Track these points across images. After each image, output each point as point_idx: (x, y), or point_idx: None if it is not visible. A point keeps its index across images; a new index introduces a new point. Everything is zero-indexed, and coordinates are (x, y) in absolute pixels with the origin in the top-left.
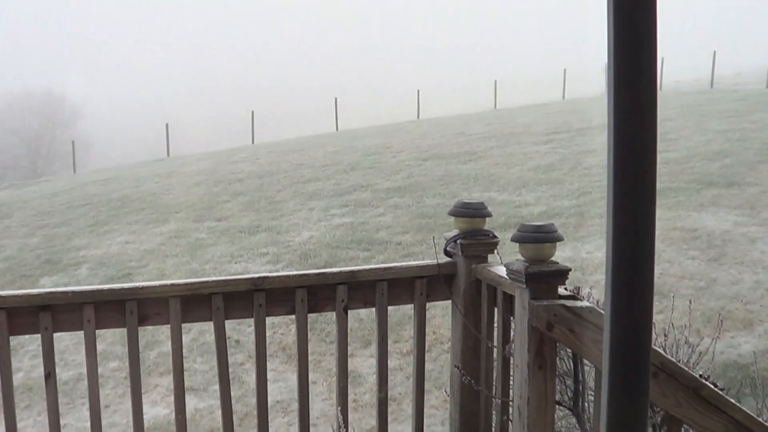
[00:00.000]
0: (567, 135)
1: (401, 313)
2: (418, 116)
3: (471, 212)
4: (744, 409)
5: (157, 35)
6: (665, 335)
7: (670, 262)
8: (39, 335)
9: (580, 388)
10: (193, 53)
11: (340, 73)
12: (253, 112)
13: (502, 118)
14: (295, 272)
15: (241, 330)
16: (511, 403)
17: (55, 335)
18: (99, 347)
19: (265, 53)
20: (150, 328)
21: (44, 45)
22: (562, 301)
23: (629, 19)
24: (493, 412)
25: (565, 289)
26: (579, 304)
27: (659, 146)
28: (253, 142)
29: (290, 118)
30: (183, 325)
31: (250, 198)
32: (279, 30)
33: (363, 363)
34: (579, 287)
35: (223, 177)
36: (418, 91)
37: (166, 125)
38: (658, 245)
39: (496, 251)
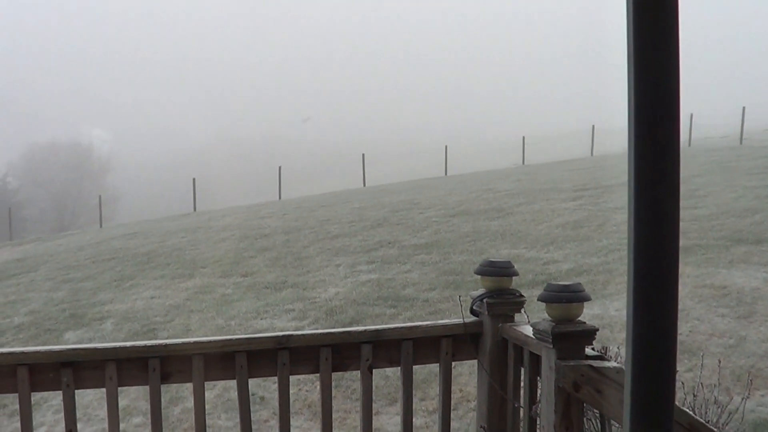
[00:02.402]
0: (595, 191)
1: (428, 370)
2: (446, 172)
3: (497, 271)
4: None
5: (186, 88)
6: (694, 395)
7: (700, 319)
8: (61, 391)
9: None
10: (221, 106)
11: (369, 127)
12: (280, 168)
13: (530, 174)
14: (319, 331)
15: (266, 386)
16: None
17: (79, 390)
18: (123, 402)
19: (292, 106)
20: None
21: (69, 95)
22: (590, 362)
23: (650, 65)
24: None
25: (593, 348)
26: (606, 364)
27: (687, 203)
28: (280, 197)
29: (317, 174)
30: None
31: (276, 254)
32: (306, 83)
33: (389, 420)
34: (606, 347)
35: (250, 232)
36: (446, 147)
37: (193, 180)
38: (687, 303)
39: (522, 310)
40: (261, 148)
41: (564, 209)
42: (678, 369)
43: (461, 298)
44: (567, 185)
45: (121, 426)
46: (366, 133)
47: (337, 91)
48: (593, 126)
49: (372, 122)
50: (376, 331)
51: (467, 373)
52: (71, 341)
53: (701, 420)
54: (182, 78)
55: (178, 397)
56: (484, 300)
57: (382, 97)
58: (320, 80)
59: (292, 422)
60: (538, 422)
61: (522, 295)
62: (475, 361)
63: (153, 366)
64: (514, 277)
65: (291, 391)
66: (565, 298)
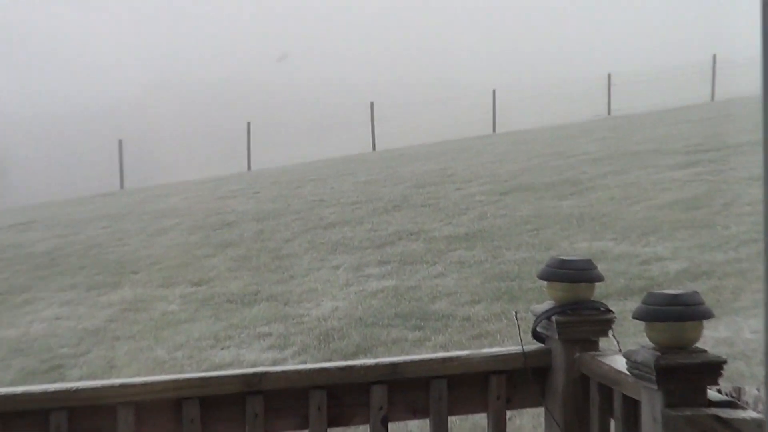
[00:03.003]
0: (719, 154)
1: (471, 423)
2: (494, 129)
3: (573, 275)
4: None
5: (111, 14)
6: None
7: None
8: None
9: None
10: (161, 37)
11: (378, 68)
12: (249, 125)
13: (619, 129)
14: (309, 366)
15: None
16: None
17: None
18: None
19: (268, 35)
20: None
21: None
22: (714, 410)
23: None
24: None
25: (719, 390)
26: (741, 414)
27: None
28: (249, 167)
29: (304, 133)
30: None
31: (244, 251)
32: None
33: None
34: (740, 387)
35: (205, 220)
36: (494, 92)
37: (119, 142)
38: None
39: (610, 333)
40: (221, 96)
41: (671, 181)
42: None
43: (519, 315)
44: (675, 145)
45: None
46: (376, 75)
47: (332, 11)
48: (714, 56)
49: (385, 59)
50: (393, 365)
51: (530, 427)
52: None
53: None
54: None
55: None
56: (553, 318)
57: (399, 22)
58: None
59: None
60: None
61: (610, 310)
62: (541, 409)
63: (57, 422)
64: (597, 284)
65: None
66: (675, 314)
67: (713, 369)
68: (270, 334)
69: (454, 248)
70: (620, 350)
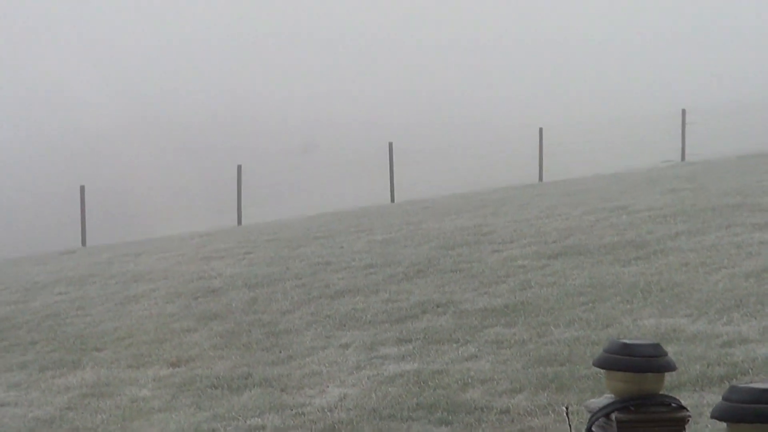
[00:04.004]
0: None
1: None
2: (541, 176)
3: (637, 363)
4: None
5: (83, 45)
6: None
7: None
8: None
9: None
10: (138, 72)
11: (398, 105)
12: (240, 168)
13: (695, 178)
14: None
15: None
16: None
17: None
18: None
19: (262, 62)
20: None
21: None
22: None
23: None
24: None
25: None
26: None
27: None
28: (239, 221)
29: (307, 180)
30: None
31: (232, 325)
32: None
33: None
34: None
35: (185, 285)
36: (541, 131)
37: (81, 189)
38: None
39: None
40: (206, 137)
41: (759, 244)
42: None
43: (570, 410)
44: (764, 199)
45: None
46: (395, 113)
47: (339, 36)
48: None
49: (405, 94)
50: None
51: None
52: None
53: None
54: (79, 34)
55: None
56: (613, 416)
57: (421, 50)
58: (307, 18)
59: None
60: None
61: (683, 407)
62: None
63: None
64: (666, 373)
65: None
66: (766, 413)
67: None
68: (263, 428)
69: (490, 324)
70: None
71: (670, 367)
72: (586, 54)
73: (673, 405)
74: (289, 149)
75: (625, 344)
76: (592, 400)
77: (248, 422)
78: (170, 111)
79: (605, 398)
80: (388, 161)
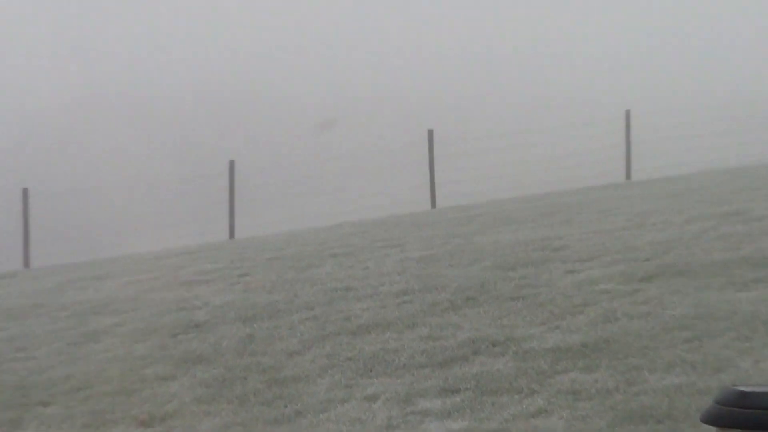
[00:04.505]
0: None
1: None
2: (629, 174)
3: (760, 418)
4: None
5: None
6: None
7: None
8: None
9: None
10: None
11: (443, 76)
12: (232, 164)
13: None
14: None
15: None
16: None
17: None
18: None
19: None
20: None
21: None
22: None
23: None
24: None
25: None
26: None
27: None
28: (232, 233)
29: (320, 179)
30: None
31: (222, 370)
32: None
33: None
34: None
35: (160, 318)
36: (628, 113)
37: (24, 192)
38: None
39: None
40: (191, 119)
41: None
42: None
43: None
44: None
45: None
46: (436, 86)
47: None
48: None
49: (451, 62)
50: None
51: None
52: None
53: None
54: None
55: None
56: None
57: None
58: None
59: None
60: None
61: None
62: None
63: None
64: None
65: None
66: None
67: None
68: None
69: (564, 369)
70: None
71: None
72: (688, 20)
73: None
74: (297, 135)
75: (744, 393)
76: None
77: None
78: (142, 87)
79: None
80: (427, 154)
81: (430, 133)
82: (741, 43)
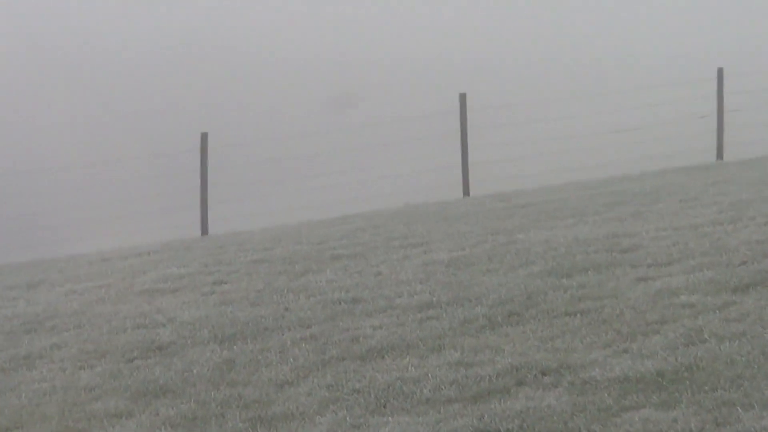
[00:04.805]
0: None
1: None
2: (720, 153)
3: None
4: None
5: None
6: None
7: None
8: None
9: None
10: None
11: (476, 34)
12: (205, 137)
13: None
14: None
15: None
16: None
17: None
18: None
19: None
20: None
21: None
22: None
23: None
24: None
25: None
26: None
27: None
28: (205, 229)
29: (316, 157)
30: None
31: (192, 405)
32: None
33: None
34: None
35: (112, 338)
36: (720, 72)
37: None
38: None
39: None
40: (156, 84)
41: None
42: None
43: None
44: None
45: None
46: (468, 47)
47: None
48: None
49: (486, 15)
50: None
51: None
52: None
53: None
54: None
55: None
56: None
57: None
58: None
59: None
60: None
61: None
62: None
63: None
64: None
65: None
66: None
67: None
68: None
69: (634, 404)
70: None
71: None
72: None
73: None
74: (293, 109)
75: None
76: None
77: None
78: (93, 43)
79: None
80: (458, 127)
81: (463, 97)
82: None
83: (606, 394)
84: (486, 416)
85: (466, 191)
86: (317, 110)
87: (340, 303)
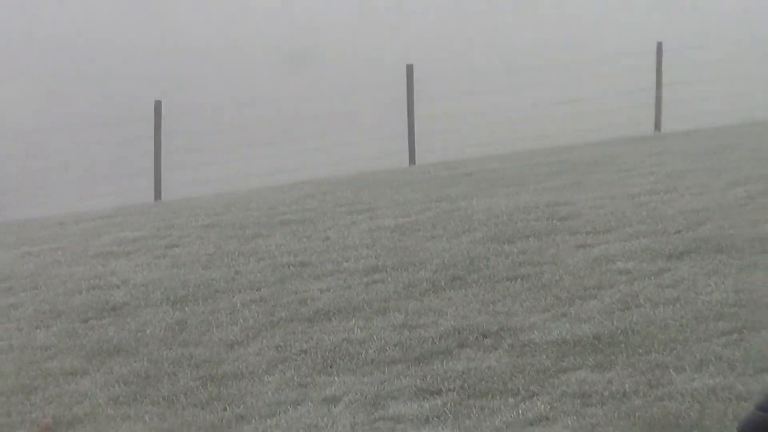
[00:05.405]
0: None
1: None
2: (658, 125)
3: None
4: None
5: None
6: None
7: None
8: None
9: None
10: None
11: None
12: (159, 105)
13: None
14: None
15: None
16: None
17: None
18: None
19: None
20: None
21: None
22: None
23: None
24: None
25: None
26: None
27: None
28: (158, 194)
29: (270, 129)
30: None
31: (144, 364)
32: None
33: None
34: None
35: (69, 299)
36: (659, 46)
37: None
38: None
39: None
40: (107, 46)
41: None
42: None
43: None
44: None
45: None
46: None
47: None
48: None
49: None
50: None
51: None
52: None
53: None
54: None
55: None
56: None
57: None
58: None
59: None
60: None
61: None
62: None
63: None
64: None
65: None
66: None
67: None
68: None
69: (572, 366)
70: None
71: None
72: None
73: None
74: (242, 72)
75: None
76: None
77: None
78: (42, 10)
79: None
80: (405, 97)
81: (410, 68)
82: None
83: (544, 356)
84: (428, 377)
85: (412, 160)
86: (266, 71)
87: (288, 266)
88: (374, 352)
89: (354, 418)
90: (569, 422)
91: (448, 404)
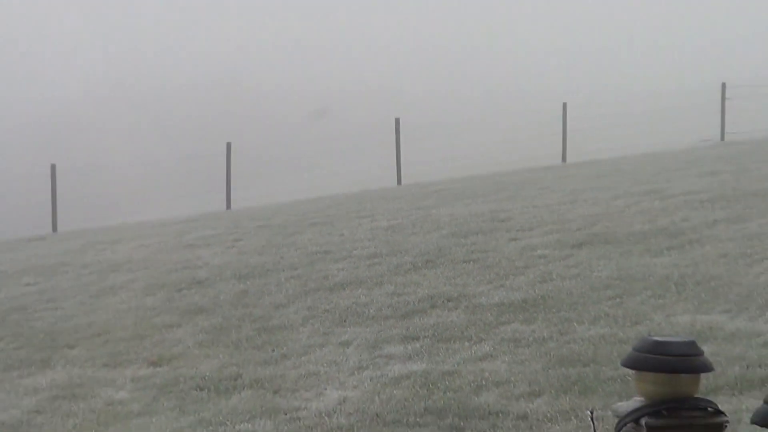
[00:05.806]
0: None
1: None
2: (564, 157)
3: (670, 362)
4: None
5: None
6: None
7: None
8: None
9: None
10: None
11: (410, 70)
12: (229, 146)
13: (736, 159)
14: None
15: None
16: None
17: None
18: None
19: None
20: None
21: None
22: None
23: None
24: None
25: None
26: None
27: None
28: (228, 204)
29: (305, 158)
30: None
31: (220, 320)
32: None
33: None
34: None
35: (167, 275)
36: (565, 106)
37: (52, 168)
38: None
39: None
40: (194, 106)
41: None
42: None
43: (595, 415)
44: None
45: None
46: (404, 80)
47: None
48: None
49: (416, 58)
50: None
51: None
52: None
53: None
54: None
55: None
56: (643, 421)
57: (433, 17)
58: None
59: None
60: None
61: (720, 412)
62: None
63: None
64: (702, 375)
65: None
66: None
67: None
68: None
69: (507, 320)
70: None
71: (706, 368)
72: (615, 25)
73: (710, 409)
74: (286, 122)
75: (657, 342)
76: (620, 403)
77: (237, 428)
78: (149, 77)
79: (634, 402)
80: (394, 141)
81: (397, 121)
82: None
83: (489, 314)
84: (411, 328)
85: (399, 181)
86: (298, 124)
87: (316, 254)
88: (374, 311)
89: (360, 356)
90: (506, 359)
91: (424, 347)
